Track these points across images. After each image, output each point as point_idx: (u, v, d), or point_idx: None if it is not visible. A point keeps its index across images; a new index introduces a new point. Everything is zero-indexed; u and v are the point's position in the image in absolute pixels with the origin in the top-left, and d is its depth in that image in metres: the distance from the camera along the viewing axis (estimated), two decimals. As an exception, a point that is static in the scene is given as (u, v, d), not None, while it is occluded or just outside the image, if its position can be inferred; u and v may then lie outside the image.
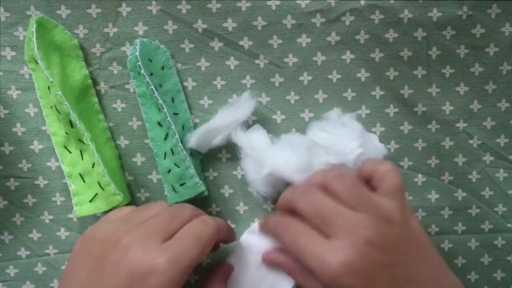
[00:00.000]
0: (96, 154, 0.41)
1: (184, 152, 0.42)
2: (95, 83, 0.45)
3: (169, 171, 0.43)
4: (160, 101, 0.41)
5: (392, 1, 0.43)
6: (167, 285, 0.33)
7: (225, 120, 0.43)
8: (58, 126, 0.43)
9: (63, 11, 0.43)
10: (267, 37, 0.44)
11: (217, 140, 0.44)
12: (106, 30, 0.44)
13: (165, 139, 0.42)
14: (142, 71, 0.41)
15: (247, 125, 0.45)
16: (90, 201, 0.42)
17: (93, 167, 0.42)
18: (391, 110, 0.46)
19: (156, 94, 0.41)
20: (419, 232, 0.37)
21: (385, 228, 0.35)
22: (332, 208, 0.35)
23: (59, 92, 0.40)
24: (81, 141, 0.42)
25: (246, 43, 0.44)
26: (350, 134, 0.42)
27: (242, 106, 0.44)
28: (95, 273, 0.34)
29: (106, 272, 0.34)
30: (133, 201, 0.46)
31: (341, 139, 0.42)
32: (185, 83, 0.45)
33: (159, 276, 0.33)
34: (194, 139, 0.44)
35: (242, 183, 0.46)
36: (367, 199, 0.36)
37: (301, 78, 0.45)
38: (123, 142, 0.45)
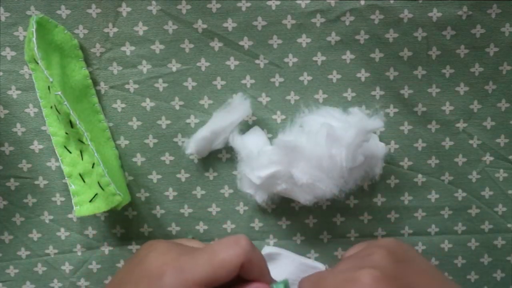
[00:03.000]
0: (96, 154, 0.41)
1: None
2: (95, 83, 0.45)
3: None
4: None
5: (392, 1, 0.43)
6: (145, 260, 0.33)
7: (221, 123, 0.43)
8: (58, 126, 0.43)
9: (63, 11, 0.43)
10: (267, 37, 0.44)
11: (216, 144, 0.44)
12: (106, 30, 0.44)
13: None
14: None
15: (247, 125, 0.45)
16: (90, 201, 0.42)
17: (93, 167, 0.42)
18: (391, 110, 0.46)
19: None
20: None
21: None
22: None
23: (59, 92, 0.40)
24: (81, 141, 0.42)
25: (246, 43, 0.44)
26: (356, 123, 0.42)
27: (237, 107, 0.44)
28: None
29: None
30: (133, 201, 0.46)
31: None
32: (185, 83, 0.45)
33: (160, 281, 0.32)
34: (192, 145, 0.44)
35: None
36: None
37: (301, 78, 0.45)
38: (123, 142, 0.45)
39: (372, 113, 0.43)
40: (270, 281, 0.35)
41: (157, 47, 0.44)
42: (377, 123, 0.42)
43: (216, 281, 0.32)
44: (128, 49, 0.44)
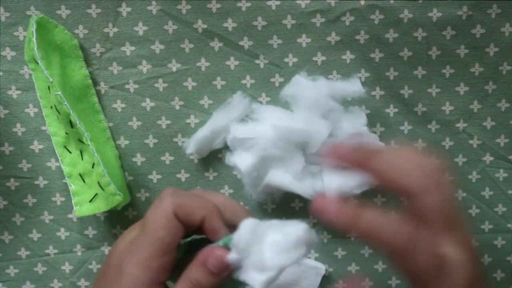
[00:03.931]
0: (96, 154, 0.41)
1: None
2: (95, 83, 0.45)
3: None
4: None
5: (392, 1, 0.43)
6: (127, 280, 0.32)
7: (221, 123, 0.44)
8: (58, 126, 0.43)
9: (63, 11, 0.43)
10: (267, 37, 0.44)
11: (216, 144, 0.44)
12: (106, 30, 0.44)
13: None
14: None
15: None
16: (90, 201, 0.42)
17: (93, 167, 0.42)
18: (391, 110, 0.46)
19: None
20: None
21: None
22: (458, 207, 0.32)
23: (59, 92, 0.40)
24: (81, 141, 0.42)
25: (246, 43, 0.44)
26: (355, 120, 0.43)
27: (236, 107, 0.44)
28: None
29: None
30: (133, 201, 0.46)
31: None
32: (185, 83, 0.45)
33: (119, 270, 0.32)
34: (192, 145, 0.44)
35: (242, 183, 0.46)
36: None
37: (301, 78, 0.45)
38: (123, 142, 0.45)
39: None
40: (218, 222, 0.32)
41: (157, 47, 0.44)
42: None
43: (165, 245, 0.31)
44: (128, 49, 0.44)
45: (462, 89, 0.45)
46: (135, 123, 0.45)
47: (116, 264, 0.33)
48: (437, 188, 0.31)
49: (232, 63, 0.45)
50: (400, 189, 0.32)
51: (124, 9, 0.43)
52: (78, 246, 0.47)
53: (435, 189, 0.31)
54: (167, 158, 0.46)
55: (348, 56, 0.45)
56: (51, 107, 0.42)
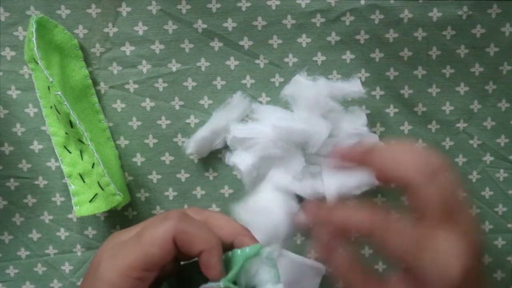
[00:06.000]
0: (96, 154, 0.41)
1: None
2: (95, 83, 0.44)
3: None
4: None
5: (392, 1, 0.43)
6: (102, 282, 0.30)
7: (221, 123, 0.44)
8: (58, 126, 0.43)
9: (63, 11, 0.43)
10: (267, 37, 0.44)
11: (216, 144, 0.44)
12: (106, 30, 0.44)
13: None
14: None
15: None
16: (90, 201, 0.42)
17: (93, 167, 0.42)
18: (391, 110, 0.46)
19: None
20: None
21: None
22: (459, 199, 0.32)
23: (59, 92, 0.40)
24: (81, 141, 0.42)
25: (246, 43, 0.44)
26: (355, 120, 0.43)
27: (236, 106, 0.44)
28: None
29: None
30: (133, 201, 0.46)
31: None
32: (185, 83, 0.45)
33: (97, 272, 0.31)
34: (192, 145, 0.44)
35: (242, 183, 0.46)
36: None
37: (301, 78, 0.45)
38: (123, 142, 0.45)
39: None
40: (215, 258, 0.31)
41: (157, 47, 0.44)
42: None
43: (152, 262, 0.30)
44: (128, 49, 0.44)
45: (462, 89, 0.45)
46: (135, 123, 0.45)
47: (95, 263, 0.32)
48: (434, 179, 0.32)
49: (232, 63, 0.45)
50: (398, 181, 0.33)
51: (124, 9, 0.43)
52: (78, 246, 0.47)
53: (431, 181, 0.32)
54: (167, 158, 0.46)
55: (348, 56, 0.45)
56: (51, 107, 0.42)
